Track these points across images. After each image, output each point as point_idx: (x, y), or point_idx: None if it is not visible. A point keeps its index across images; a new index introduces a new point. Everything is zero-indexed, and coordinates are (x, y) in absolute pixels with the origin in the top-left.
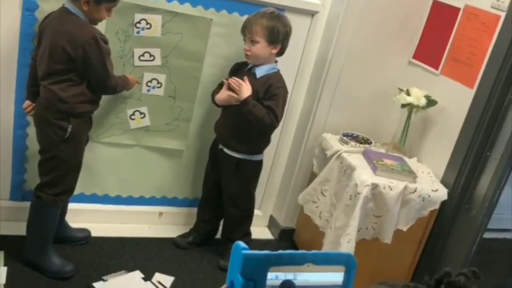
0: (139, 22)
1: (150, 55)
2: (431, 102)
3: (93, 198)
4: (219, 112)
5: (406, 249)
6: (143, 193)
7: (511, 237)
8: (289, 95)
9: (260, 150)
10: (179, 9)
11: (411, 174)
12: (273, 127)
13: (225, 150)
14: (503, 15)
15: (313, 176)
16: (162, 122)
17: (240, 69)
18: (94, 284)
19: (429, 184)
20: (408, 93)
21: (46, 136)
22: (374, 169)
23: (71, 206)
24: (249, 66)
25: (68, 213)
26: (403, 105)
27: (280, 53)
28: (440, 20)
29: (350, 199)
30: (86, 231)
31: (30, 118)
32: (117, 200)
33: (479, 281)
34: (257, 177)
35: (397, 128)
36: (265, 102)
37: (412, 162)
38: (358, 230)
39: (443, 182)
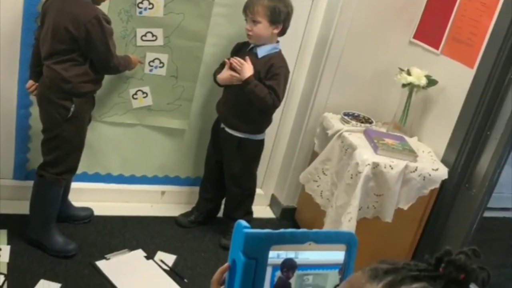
0: (141, 2)
1: (153, 35)
2: (431, 82)
3: (96, 177)
4: (221, 92)
5: (407, 228)
6: (146, 172)
7: (511, 216)
8: (290, 74)
9: (261, 130)
10: None
11: (411, 153)
12: (274, 106)
13: (227, 129)
14: None
15: (314, 155)
16: (164, 102)
17: (242, 49)
18: (97, 263)
19: (430, 163)
20: (408, 73)
21: (49, 116)
22: (375, 148)
23: (74, 185)
24: (251, 46)
25: (71, 192)
26: (403, 85)
27: (282, 33)
28: (441, 0)
29: (351, 178)
30: (88, 210)
31: (33, 98)
32: (120, 179)
33: (479, 259)
34: (258, 156)
35: (397, 107)
36: (266, 82)
37: (412, 141)
38: (359, 209)
39: (444, 161)
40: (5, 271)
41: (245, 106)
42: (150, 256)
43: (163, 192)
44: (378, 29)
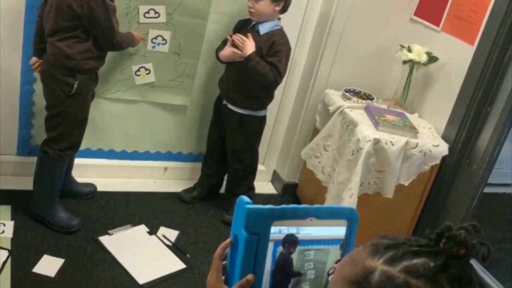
0: None
1: (155, 12)
2: (432, 59)
3: (99, 153)
4: (223, 69)
5: (408, 204)
6: (148, 148)
7: (510, 191)
8: (292, 51)
9: (263, 106)
10: None
11: (412, 130)
12: (276, 83)
13: (229, 105)
14: None
15: (315, 131)
16: (167, 78)
17: (244, 26)
18: (100, 238)
19: (430, 139)
20: (409, 50)
21: (53, 92)
22: (376, 124)
23: (77, 161)
24: (253, 23)
25: (74, 168)
26: (404, 62)
27: (283, 10)
28: None
29: (353, 154)
30: (92, 185)
31: (37, 75)
32: (123, 155)
33: (480, 234)
34: (260, 133)
35: (398, 84)
36: (268, 58)
37: (413, 118)
38: (360, 185)
39: (444, 137)
40: (8, 247)
41: (247, 82)
42: (152, 231)
43: (165, 168)
44: (379, 6)
